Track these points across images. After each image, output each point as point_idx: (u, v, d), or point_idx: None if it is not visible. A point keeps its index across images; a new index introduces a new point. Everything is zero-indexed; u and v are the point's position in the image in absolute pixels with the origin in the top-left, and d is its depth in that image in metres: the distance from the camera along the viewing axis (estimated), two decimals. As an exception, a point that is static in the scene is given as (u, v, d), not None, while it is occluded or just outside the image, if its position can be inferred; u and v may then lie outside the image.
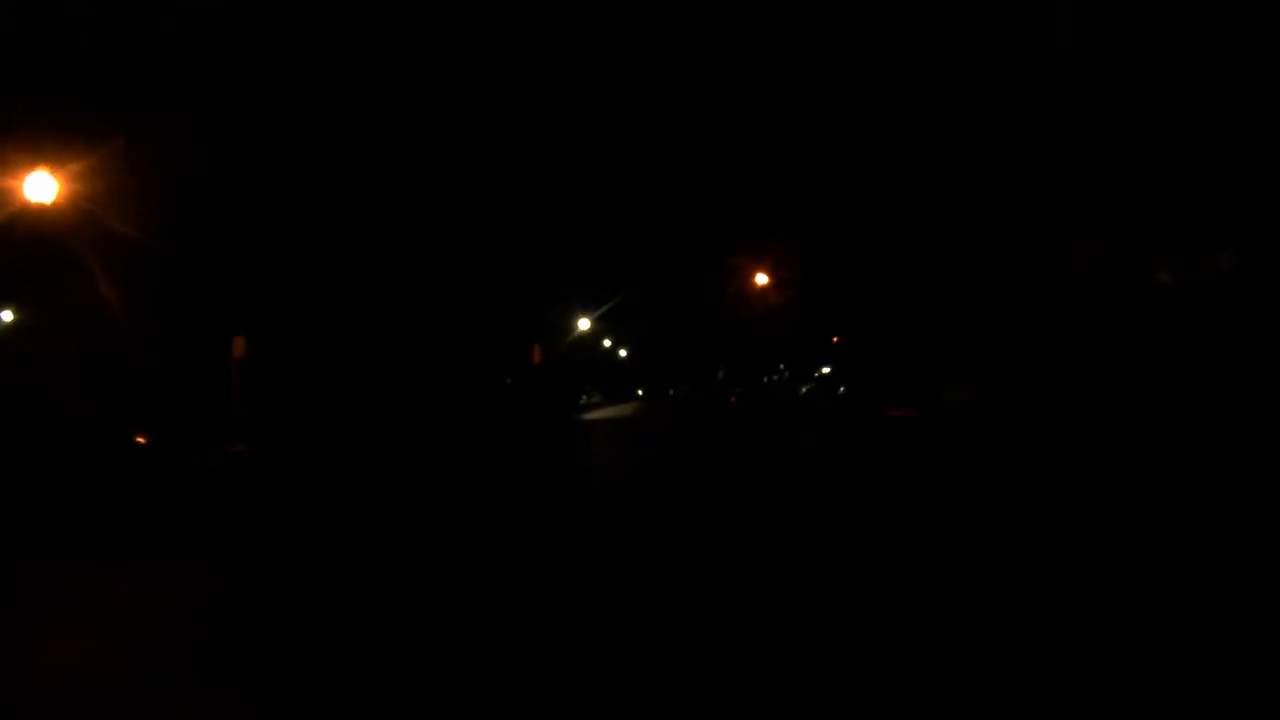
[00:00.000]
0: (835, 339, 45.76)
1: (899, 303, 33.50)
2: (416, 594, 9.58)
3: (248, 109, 28.19)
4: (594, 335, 63.50)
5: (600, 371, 69.85)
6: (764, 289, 44.99)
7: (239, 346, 25.57)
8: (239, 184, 28.26)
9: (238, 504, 16.64)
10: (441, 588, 9.77)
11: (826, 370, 54.54)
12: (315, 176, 30.05)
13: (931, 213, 28.09)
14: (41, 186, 18.21)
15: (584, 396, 64.89)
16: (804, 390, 54.24)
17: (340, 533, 13.47)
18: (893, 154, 30.53)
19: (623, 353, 73.03)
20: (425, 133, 32.84)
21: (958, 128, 28.52)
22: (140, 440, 19.21)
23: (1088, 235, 25.32)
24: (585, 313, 56.38)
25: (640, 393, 75.83)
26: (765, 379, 66.75)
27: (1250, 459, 17.92)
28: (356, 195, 31.36)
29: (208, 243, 27.66)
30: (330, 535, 13.30)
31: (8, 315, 28.20)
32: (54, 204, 18.83)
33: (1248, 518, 12.31)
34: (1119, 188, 24.44)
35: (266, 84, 28.39)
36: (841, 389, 43.02)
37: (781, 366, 63.03)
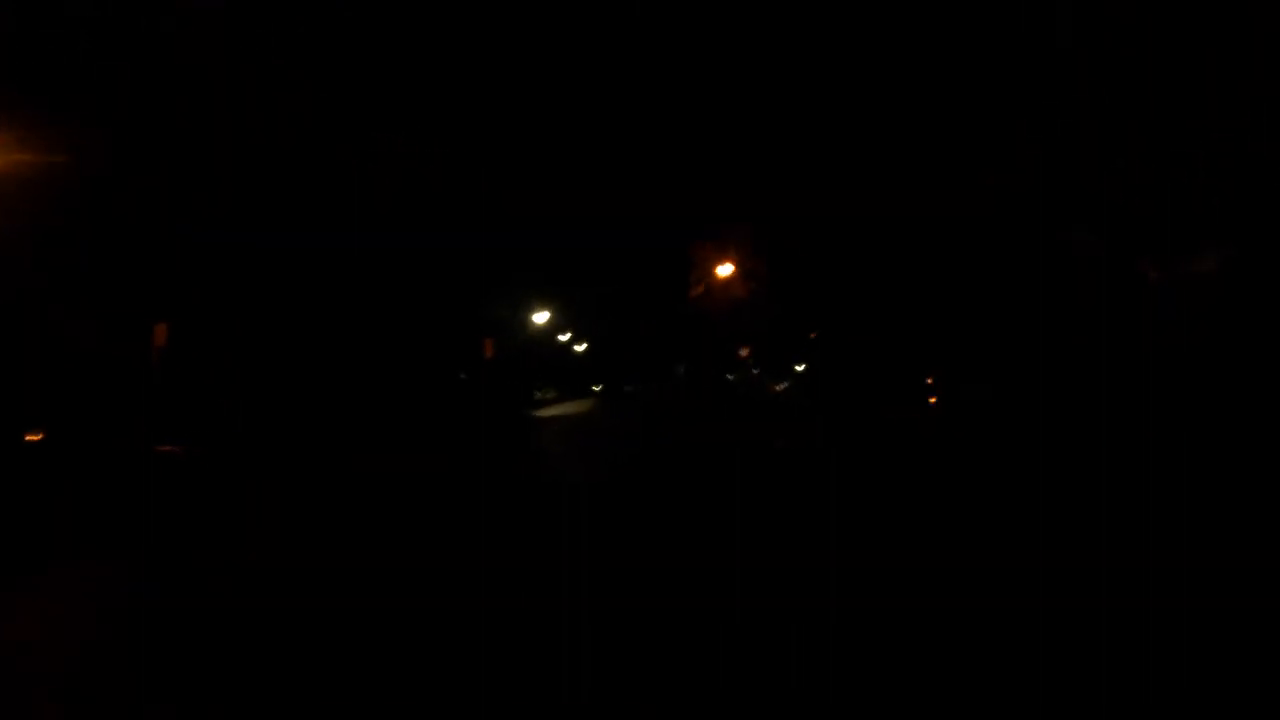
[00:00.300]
0: (812, 335, 44.72)
1: (887, 300, 32.68)
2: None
3: (191, 96, 26.85)
4: (550, 330, 62.73)
5: (556, 367, 69.09)
6: (728, 281, 44.00)
7: (161, 335, 24.05)
8: (179, 172, 26.84)
9: (157, 507, 15.63)
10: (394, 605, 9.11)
11: (801, 368, 53.61)
12: (258, 167, 28.76)
13: (927, 212, 27.55)
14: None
15: (538, 392, 63.90)
16: (779, 388, 53.26)
17: (280, 540, 12.91)
18: (890, 152, 29.67)
19: (580, 348, 72.22)
20: (375, 127, 31.67)
21: (956, 126, 27.94)
22: (33, 438, 18.06)
23: (1087, 235, 24.96)
24: (541, 306, 55.44)
25: (597, 389, 75.30)
26: (730, 376, 65.66)
27: (1250, 458, 18.08)
28: (300, 187, 30.10)
29: (139, 231, 26.22)
30: (269, 543, 12.58)
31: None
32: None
33: (1248, 520, 12.64)
34: (1119, 187, 24.12)
35: (213, 73, 27.11)
36: (827, 387, 41.93)
37: (751, 363, 61.93)
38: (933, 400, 32.22)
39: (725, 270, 44.91)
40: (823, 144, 31.81)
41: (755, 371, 63.86)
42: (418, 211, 33.90)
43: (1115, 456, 19.53)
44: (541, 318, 56.38)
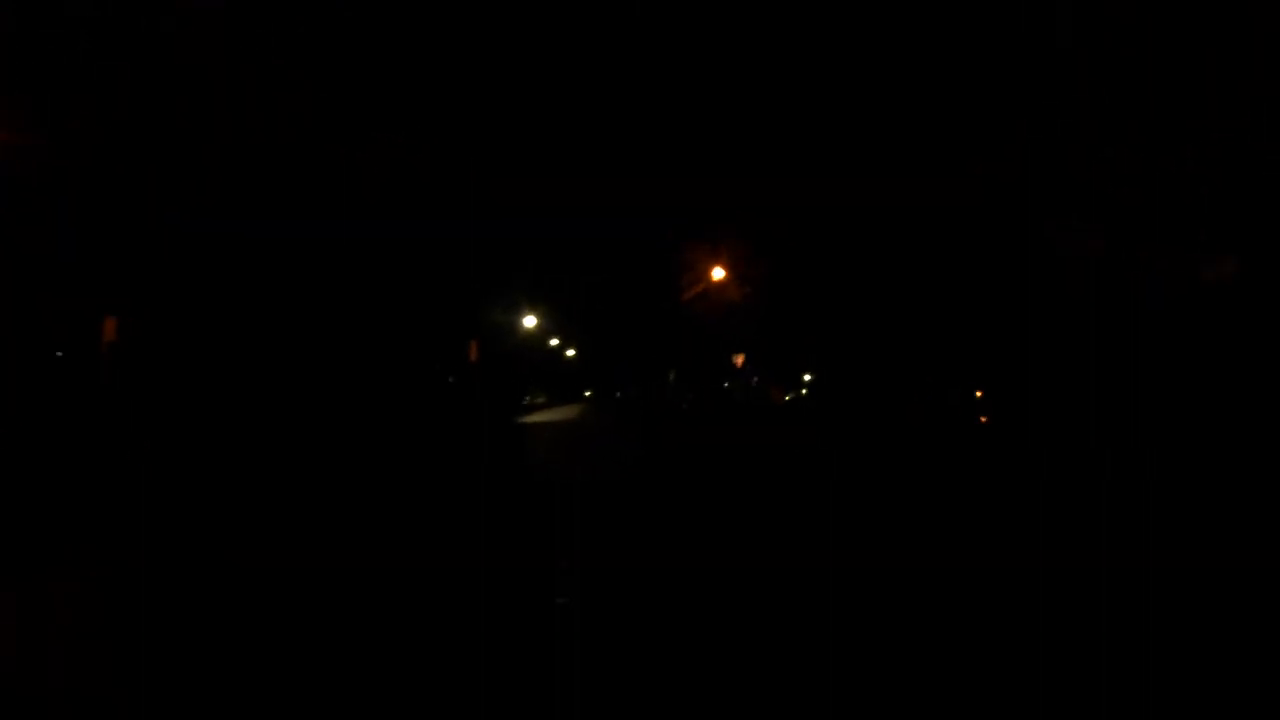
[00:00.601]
0: (819, 342, 43.94)
1: (891, 303, 31.90)
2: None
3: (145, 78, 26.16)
4: (541, 334, 62.36)
5: (547, 372, 68.89)
6: (722, 283, 43.17)
7: (110, 329, 22.93)
8: (141, 153, 26.06)
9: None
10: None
11: (808, 377, 52.69)
12: (242, 155, 27.96)
13: (921, 202, 27.39)
14: None
15: (528, 397, 63.48)
16: (787, 398, 52.18)
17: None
18: (879, 143, 29.00)
19: (570, 352, 71.86)
20: (353, 112, 30.86)
21: (947, 116, 27.70)
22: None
23: (1079, 226, 24.60)
24: (531, 309, 54.99)
25: (588, 394, 75.06)
26: (726, 383, 64.69)
27: (1249, 459, 18.13)
28: (287, 175, 29.29)
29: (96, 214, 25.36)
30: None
31: None
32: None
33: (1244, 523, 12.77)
34: (1109, 177, 24.03)
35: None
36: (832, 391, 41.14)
37: (750, 370, 60.96)
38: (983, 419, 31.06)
39: (719, 273, 44.08)
40: (814, 135, 31.18)
41: (755, 379, 62.80)
42: (407, 200, 33.23)
43: (1111, 449, 19.95)
44: (531, 321, 55.88)
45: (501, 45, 33.53)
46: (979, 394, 30.13)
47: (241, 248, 27.14)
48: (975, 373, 29.14)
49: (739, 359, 63.56)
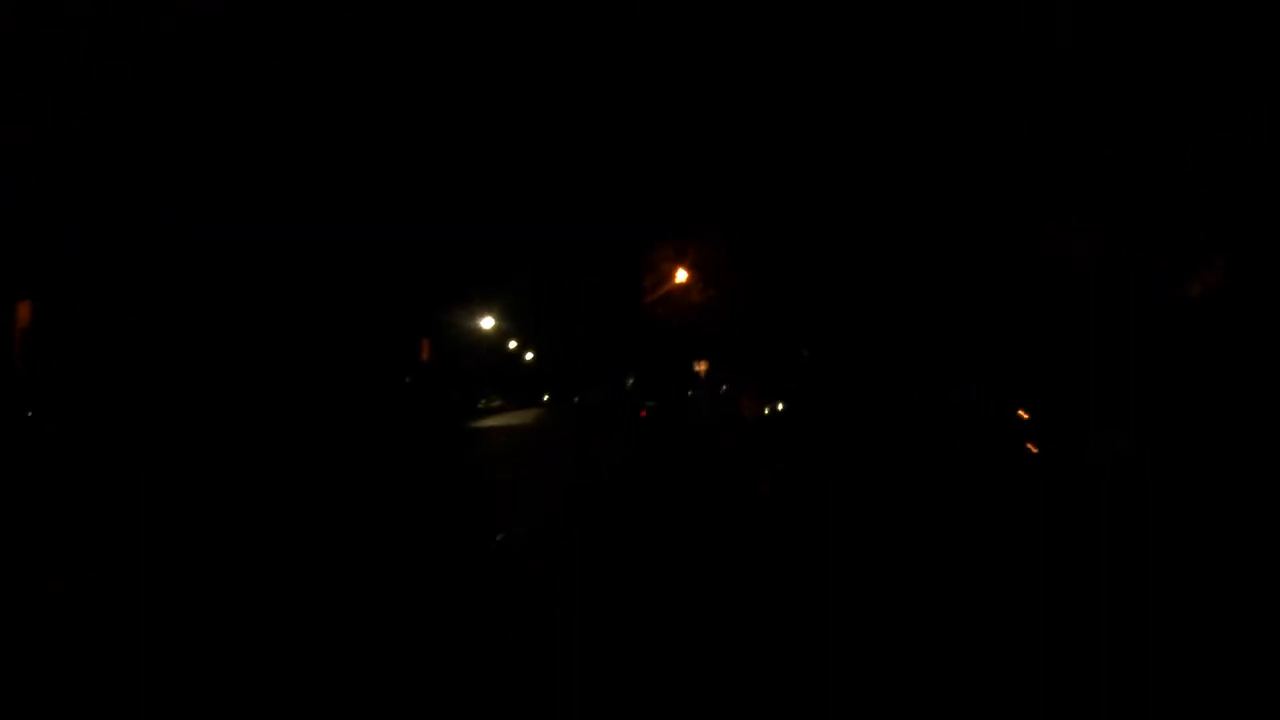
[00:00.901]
0: (805, 351, 43.67)
1: (888, 304, 31.96)
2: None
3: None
4: (499, 336, 62.12)
5: (503, 374, 68.49)
6: (694, 282, 43.06)
7: (24, 313, 22.63)
8: (141, 153, 25.76)
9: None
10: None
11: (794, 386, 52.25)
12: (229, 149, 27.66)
13: (919, 203, 27.18)
14: None
15: (483, 400, 63.16)
16: (766, 411, 51.77)
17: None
18: (877, 142, 29.16)
19: (529, 356, 71.61)
20: (307, 106, 30.58)
21: (946, 116, 27.78)
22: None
23: (1079, 226, 24.89)
24: (486, 309, 54.61)
25: (546, 398, 74.76)
26: (689, 391, 64.35)
27: (1249, 459, 18.22)
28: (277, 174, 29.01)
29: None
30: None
31: None
32: None
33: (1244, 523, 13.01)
34: (1109, 177, 24.24)
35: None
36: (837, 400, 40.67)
37: (717, 377, 60.54)
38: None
39: (691, 271, 43.89)
40: (812, 134, 31.27)
41: (724, 388, 61.99)
42: (406, 199, 32.97)
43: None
44: (489, 322, 55.59)
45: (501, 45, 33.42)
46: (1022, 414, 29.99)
47: (240, 248, 26.93)
48: (973, 374, 29.37)
49: (701, 366, 63.28)
